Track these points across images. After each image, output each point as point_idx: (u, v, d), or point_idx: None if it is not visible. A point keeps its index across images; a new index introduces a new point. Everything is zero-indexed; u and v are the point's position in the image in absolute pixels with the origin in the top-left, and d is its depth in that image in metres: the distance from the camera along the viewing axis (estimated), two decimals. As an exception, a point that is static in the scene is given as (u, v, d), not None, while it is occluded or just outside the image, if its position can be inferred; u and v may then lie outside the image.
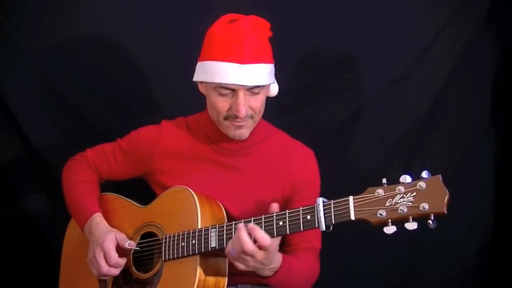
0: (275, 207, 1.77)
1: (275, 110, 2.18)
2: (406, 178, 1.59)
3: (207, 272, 1.84)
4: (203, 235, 1.83)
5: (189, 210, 1.89)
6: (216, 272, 1.86)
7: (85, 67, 2.56)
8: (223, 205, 1.96)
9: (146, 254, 1.98)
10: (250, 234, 1.69)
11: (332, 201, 1.67)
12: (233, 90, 1.88)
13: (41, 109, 2.59)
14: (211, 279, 1.84)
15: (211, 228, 1.83)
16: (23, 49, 2.54)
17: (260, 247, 1.68)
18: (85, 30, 2.53)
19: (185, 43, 2.45)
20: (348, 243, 2.41)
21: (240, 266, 1.74)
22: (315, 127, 2.55)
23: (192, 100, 2.12)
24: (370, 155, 2.56)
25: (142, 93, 2.57)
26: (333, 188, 2.09)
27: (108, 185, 2.19)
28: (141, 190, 2.12)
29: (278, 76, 1.98)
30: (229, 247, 1.74)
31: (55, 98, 2.58)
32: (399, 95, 2.53)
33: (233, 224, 1.81)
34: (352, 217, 1.62)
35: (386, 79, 2.53)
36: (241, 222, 1.78)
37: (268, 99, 2.00)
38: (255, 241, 1.68)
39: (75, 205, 2.06)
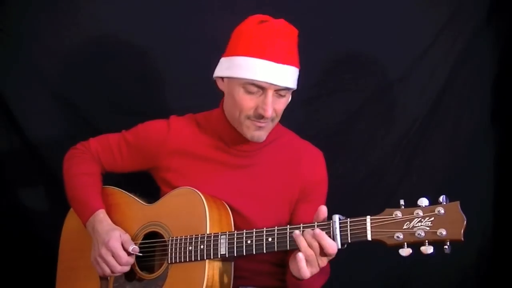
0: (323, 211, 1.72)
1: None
2: (423, 201, 1.59)
3: (214, 276, 1.82)
4: (212, 241, 1.81)
5: (197, 213, 1.86)
6: (223, 277, 1.84)
7: (84, 67, 2.56)
8: (231, 206, 1.93)
9: (150, 254, 1.97)
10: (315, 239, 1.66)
11: (348, 219, 1.66)
12: (262, 89, 1.83)
13: (41, 108, 2.58)
14: (217, 284, 1.83)
15: (221, 235, 1.81)
16: (23, 49, 2.54)
17: (326, 254, 1.67)
18: (85, 30, 2.54)
19: (186, 42, 2.46)
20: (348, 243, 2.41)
21: (307, 273, 1.69)
22: (315, 127, 2.55)
23: (195, 100, 2.12)
24: (370, 155, 2.56)
25: (142, 93, 2.57)
26: (333, 188, 2.09)
27: (109, 179, 2.17)
28: (145, 184, 2.11)
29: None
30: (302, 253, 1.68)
31: (55, 97, 2.58)
32: (399, 95, 2.53)
33: (244, 233, 1.79)
34: (369, 238, 1.63)
35: (386, 79, 2.53)
36: (253, 231, 1.77)
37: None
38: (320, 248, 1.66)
39: (77, 198, 2.03)
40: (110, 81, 2.57)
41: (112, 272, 1.89)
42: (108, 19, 2.53)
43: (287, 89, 1.86)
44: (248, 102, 1.84)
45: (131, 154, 2.08)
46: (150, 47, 2.53)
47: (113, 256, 1.87)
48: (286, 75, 1.83)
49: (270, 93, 1.82)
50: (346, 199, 2.34)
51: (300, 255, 1.67)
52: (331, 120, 2.56)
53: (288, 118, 2.49)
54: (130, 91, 2.57)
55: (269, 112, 1.82)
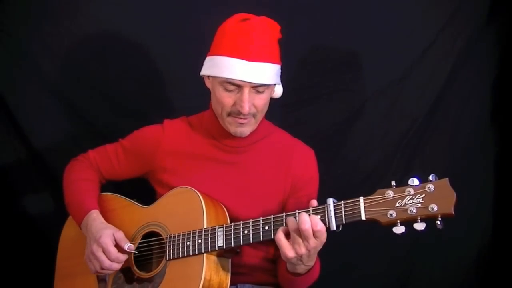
0: (314, 203, 1.78)
1: (276, 110, 2.18)
2: (414, 181, 1.64)
3: (212, 271, 1.84)
4: (209, 234, 1.84)
5: (194, 210, 1.89)
6: (220, 272, 1.86)
7: (85, 67, 2.57)
8: (224, 203, 1.97)
9: (147, 253, 1.98)
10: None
11: (342, 201, 1.70)
12: (238, 86, 1.89)
13: (41, 109, 2.59)
14: (215, 279, 1.85)
15: (218, 228, 1.84)
16: (23, 49, 2.55)
17: (314, 233, 1.69)
18: (85, 30, 2.54)
19: (186, 42, 2.46)
20: (348, 244, 2.41)
21: (289, 252, 1.72)
22: (315, 127, 2.55)
23: (195, 100, 2.13)
24: (370, 155, 2.57)
25: (143, 93, 2.57)
26: (333, 188, 2.10)
27: (108, 186, 2.19)
28: (141, 190, 2.12)
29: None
30: (281, 232, 1.74)
31: (55, 98, 2.58)
32: (399, 95, 2.53)
33: (241, 224, 1.82)
34: (363, 217, 1.66)
35: (386, 79, 2.53)
36: (249, 221, 1.80)
37: (270, 99, 2.00)
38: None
39: (73, 202, 2.07)
40: (110, 81, 2.58)
41: (102, 268, 1.90)
42: (109, 19, 2.53)
43: (264, 85, 1.91)
44: (227, 99, 1.91)
45: (128, 160, 2.12)
46: (151, 47, 2.54)
47: (103, 252, 1.89)
48: (261, 73, 1.88)
49: (246, 90, 1.88)
50: (346, 199, 2.34)
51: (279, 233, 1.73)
52: (331, 120, 2.57)
53: (288, 117, 2.51)
54: (130, 91, 2.58)
55: (245, 109, 1.89)
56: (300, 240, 1.70)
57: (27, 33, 2.53)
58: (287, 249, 1.72)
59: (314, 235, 1.69)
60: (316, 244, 1.70)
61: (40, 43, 2.54)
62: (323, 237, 1.71)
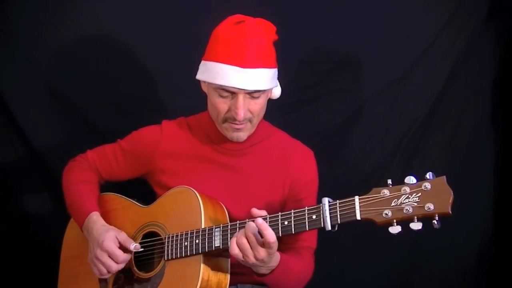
0: (256, 212, 1.78)
1: (275, 110, 2.18)
2: (411, 179, 1.61)
3: (210, 271, 1.84)
4: (207, 235, 1.84)
5: (192, 210, 1.89)
6: (219, 272, 1.86)
7: (85, 67, 2.56)
8: (224, 206, 1.96)
9: (147, 253, 1.98)
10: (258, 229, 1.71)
11: (337, 201, 1.69)
12: (233, 93, 1.88)
13: (41, 109, 2.59)
14: (214, 279, 1.85)
15: (215, 228, 1.84)
16: (23, 49, 2.54)
17: (265, 244, 1.70)
18: (85, 30, 2.54)
19: (185, 42, 2.46)
20: (348, 244, 2.41)
21: (240, 259, 1.74)
22: (315, 127, 2.55)
23: (194, 100, 2.13)
24: (370, 155, 2.57)
25: (142, 93, 2.57)
26: (333, 188, 2.09)
27: (109, 185, 2.19)
28: (141, 190, 2.12)
29: (279, 76, 1.98)
30: (233, 239, 1.75)
31: (55, 98, 2.58)
32: (399, 95, 2.53)
33: (238, 224, 1.81)
34: (358, 217, 1.64)
35: (386, 79, 2.53)
36: (246, 221, 1.79)
37: (269, 99, 2.00)
38: (261, 236, 1.70)
39: (73, 205, 2.07)
40: (111, 81, 2.57)
41: (109, 271, 1.91)
42: (108, 20, 2.53)
43: (259, 91, 1.89)
44: (222, 105, 1.91)
45: (127, 161, 2.12)
46: (150, 47, 2.54)
47: (109, 256, 1.89)
48: (255, 78, 1.86)
49: (240, 96, 1.87)
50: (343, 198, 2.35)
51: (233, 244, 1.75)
52: (331, 120, 2.57)
53: (288, 118, 2.51)
54: (131, 91, 2.57)
55: (240, 115, 1.88)
56: (249, 249, 1.72)
57: (27, 33, 2.53)
58: (237, 256, 1.74)
59: (266, 246, 1.70)
60: (267, 253, 1.71)
61: (40, 43, 2.54)
62: (274, 249, 1.72)
